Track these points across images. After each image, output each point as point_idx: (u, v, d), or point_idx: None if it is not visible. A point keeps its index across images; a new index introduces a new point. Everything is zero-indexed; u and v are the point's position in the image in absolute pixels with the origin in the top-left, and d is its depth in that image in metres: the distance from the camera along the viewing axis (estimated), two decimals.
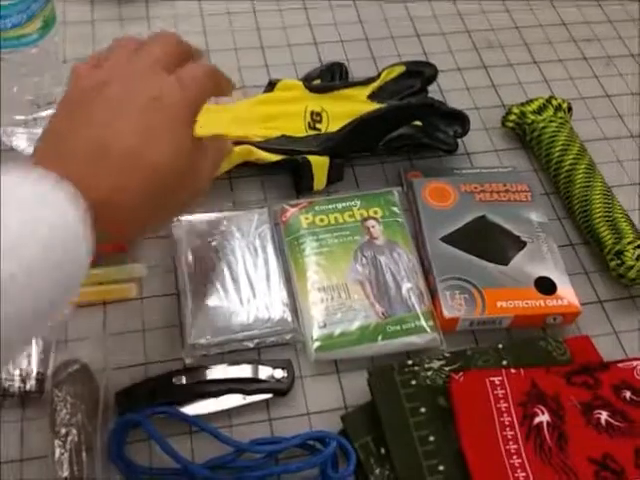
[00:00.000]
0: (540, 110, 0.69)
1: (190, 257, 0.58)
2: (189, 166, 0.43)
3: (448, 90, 0.76)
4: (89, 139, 0.40)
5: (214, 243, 0.59)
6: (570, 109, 0.72)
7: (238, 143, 0.64)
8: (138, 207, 0.41)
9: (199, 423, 0.49)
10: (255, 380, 0.52)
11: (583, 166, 0.65)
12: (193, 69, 0.44)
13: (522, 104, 0.71)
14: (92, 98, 0.41)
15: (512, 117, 0.71)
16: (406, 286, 0.57)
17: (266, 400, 0.52)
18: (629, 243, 0.59)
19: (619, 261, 0.59)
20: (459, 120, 0.69)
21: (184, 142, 0.42)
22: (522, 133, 0.71)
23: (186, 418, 0.50)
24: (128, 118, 0.41)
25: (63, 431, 0.47)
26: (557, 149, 0.67)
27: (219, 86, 0.47)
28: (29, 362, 0.51)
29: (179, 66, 0.44)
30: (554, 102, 0.70)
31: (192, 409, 0.51)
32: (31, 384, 0.50)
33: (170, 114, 0.42)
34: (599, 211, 0.62)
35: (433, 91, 0.74)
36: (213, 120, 0.66)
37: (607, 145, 0.73)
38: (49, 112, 0.61)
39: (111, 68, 0.43)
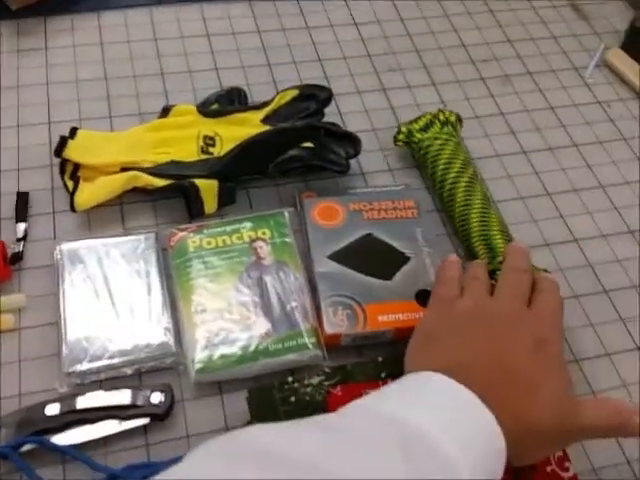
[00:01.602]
0: (426, 127, 0.71)
1: (70, 284, 0.57)
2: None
3: (346, 112, 0.78)
4: (494, 359, 0.46)
5: (96, 270, 0.58)
6: (460, 120, 0.73)
7: (126, 169, 0.64)
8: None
9: (69, 452, 0.49)
10: (132, 406, 0.51)
11: (463, 184, 0.66)
12: (547, 304, 0.51)
13: (410, 122, 0.72)
14: (478, 326, 0.49)
15: (401, 136, 0.72)
16: (291, 305, 0.58)
17: (144, 425, 0.52)
18: (500, 262, 0.60)
19: (493, 281, 0.59)
20: (351, 141, 0.70)
21: (570, 382, 0.47)
22: (412, 151, 0.72)
23: (56, 447, 0.49)
24: (520, 350, 0.47)
25: None
26: (440, 167, 0.68)
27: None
28: None
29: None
30: (441, 117, 0.71)
31: (66, 438, 0.50)
32: None
33: (552, 355, 0.47)
34: (475, 230, 0.63)
35: (332, 113, 0.75)
36: (105, 148, 0.66)
37: (498, 161, 0.75)
38: None
39: (481, 303, 0.51)
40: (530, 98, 0.83)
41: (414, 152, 0.71)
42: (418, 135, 0.70)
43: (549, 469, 0.50)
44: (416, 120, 0.71)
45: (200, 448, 0.36)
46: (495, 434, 0.41)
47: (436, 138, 0.69)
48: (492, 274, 0.59)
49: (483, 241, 0.62)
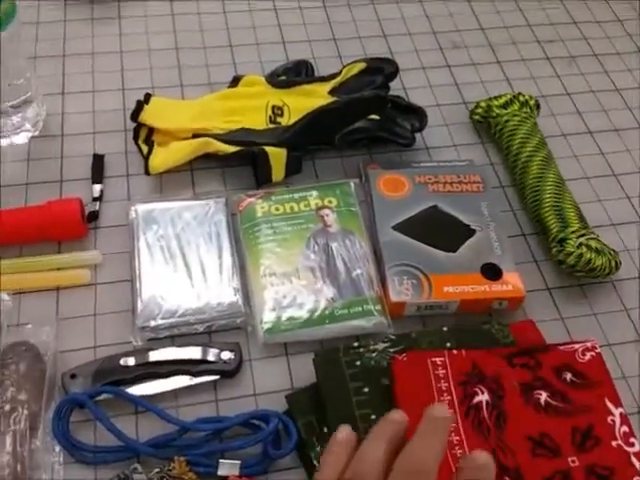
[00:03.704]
0: (506, 105, 0.72)
1: (145, 244, 0.59)
2: None
3: (411, 88, 0.78)
4: None
5: (169, 230, 0.60)
6: (538, 106, 0.73)
7: (198, 135, 0.66)
8: None
9: (143, 403, 0.50)
10: (203, 362, 0.53)
11: (539, 158, 0.67)
12: None
13: (490, 99, 0.73)
14: None
15: (479, 110, 0.73)
16: (356, 272, 0.59)
17: (214, 381, 0.54)
18: (573, 232, 0.60)
19: (560, 248, 0.60)
20: (417, 115, 0.71)
21: None
22: (487, 126, 0.73)
23: (130, 398, 0.51)
24: None
25: (8, 408, 0.48)
26: (516, 141, 0.69)
27: None
28: None
29: None
30: (521, 98, 0.72)
31: (139, 390, 0.52)
32: None
33: None
34: (548, 201, 0.63)
35: (396, 88, 0.76)
36: (178, 114, 0.68)
37: (564, 141, 0.75)
38: (12, 103, 0.63)
39: None
40: (596, 79, 0.82)
41: (490, 127, 0.72)
42: (497, 110, 0.71)
43: (615, 444, 0.50)
44: (496, 97, 0.72)
45: None
46: None
47: (515, 115, 0.70)
48: (562, 242, 0.59)
49: (555, 212, 0.62)
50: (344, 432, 0.40)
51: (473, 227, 0.62)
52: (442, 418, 0.38)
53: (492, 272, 0.59)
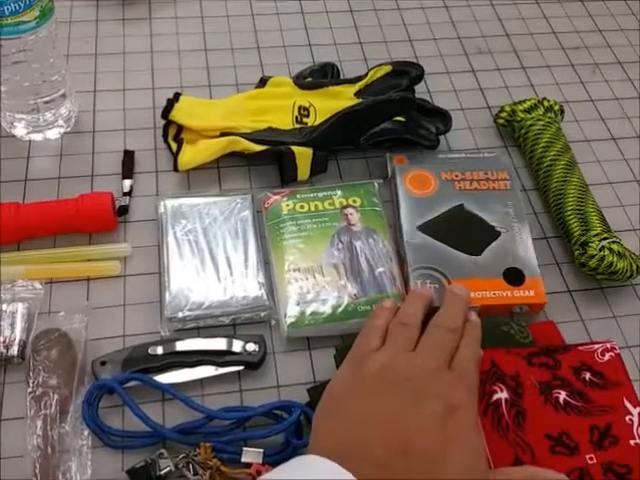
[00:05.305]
0: (530, 109, 0.72)
1: (173, 238, 0.60)
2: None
3: (436, 91, 0.79)
4: (390, 435, 0.43)
5: (197, 225, 0.61)
6: (562, 112, 0.74)
7: (226, 134, 0.67)
8: None
9: (171, 390, 0.52)
10: (228, 352, 0.54)
11: (563, 162, 0.68)
12: (466, 365, 0.47)
13: (514, 103, 0.74)
14: (386, 391, 0.45)
15: (503, 114, 0.74)
16: (379, 270, 0.60)
17: (238, 372, 0.55)
18: (595, 235, 0.61)
19: (583, 251, 0.60)
20: (442, 118, 0.72)
21: (482, 451, 0.45)
22: (511, 130, 0.74)
23: (158, 385, 0.52)
24: (426, 420, 0.43)
25: (39, 392, 0.50)
26: (540, 145, 0.69)
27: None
28: (12, 330, 0.54)
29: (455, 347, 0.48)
30: (546, 103, 0.73)
31: (166, 378, 0.53)
32: (13, 350, 0.53)
33: (463, 423, 0.44)
34: (571, 204, 0.64)
35: (421, 92, 0.77)
36: (207, 113, 0.70)
37: (587, 146, 0.75)
38: (47, 99, 0.65)
39: (398, 359, 0.47)
40: (619, 87, 0.83)
41: (515, 131, 0.73)
42: (521, 115, 0.72)
43: (632, 443, 0.50)
44: (521, 102, 0.73)
45: None
46: None
47: (539, 119, 0.71)
48: (584, 245, 0.60)
49: (578, 216, 0.63)
50: (388, 301, 0.53)
51: (498, 229, 0.62)
52: (461, 294, 0.52)
53: (515, 277, 0.59)
